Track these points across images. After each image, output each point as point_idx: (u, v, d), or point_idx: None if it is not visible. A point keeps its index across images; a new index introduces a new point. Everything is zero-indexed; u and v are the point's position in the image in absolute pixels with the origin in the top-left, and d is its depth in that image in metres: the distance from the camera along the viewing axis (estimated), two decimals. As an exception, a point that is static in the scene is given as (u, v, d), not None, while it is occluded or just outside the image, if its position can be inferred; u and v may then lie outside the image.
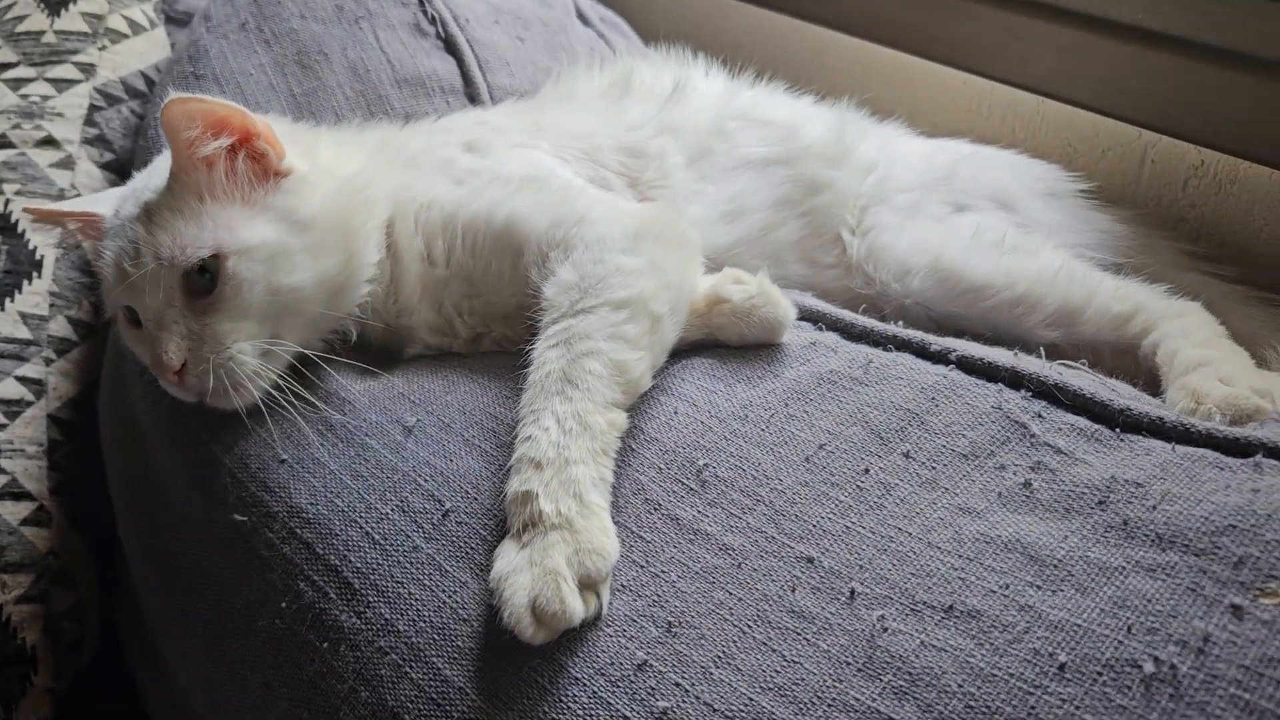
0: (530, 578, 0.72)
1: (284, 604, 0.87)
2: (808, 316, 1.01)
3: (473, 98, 1.29)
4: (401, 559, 0.84)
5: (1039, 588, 0.70)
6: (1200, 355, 0.93)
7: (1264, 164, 1.17)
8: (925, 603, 0.71)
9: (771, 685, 0.70)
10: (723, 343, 0.98)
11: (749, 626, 0.73)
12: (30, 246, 1.27)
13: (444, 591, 0.81)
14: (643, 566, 0.79)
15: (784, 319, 0.94)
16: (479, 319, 1.01)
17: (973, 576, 0.72)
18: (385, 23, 1.31)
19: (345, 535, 0.86)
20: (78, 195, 1.32)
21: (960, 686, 0.66)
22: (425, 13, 1.31)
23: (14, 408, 1.20)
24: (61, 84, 1.39)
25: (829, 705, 0.68)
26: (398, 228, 1.00)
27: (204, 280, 0.90)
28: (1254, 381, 0.88)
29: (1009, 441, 0.82)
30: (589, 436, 0.79)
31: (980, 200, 1.15)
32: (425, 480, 0.88)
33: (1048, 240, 1.11)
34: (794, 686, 0.69)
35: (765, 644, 0.72)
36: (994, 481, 0.79)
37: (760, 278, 0.96)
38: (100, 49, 1.43)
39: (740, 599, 0.75)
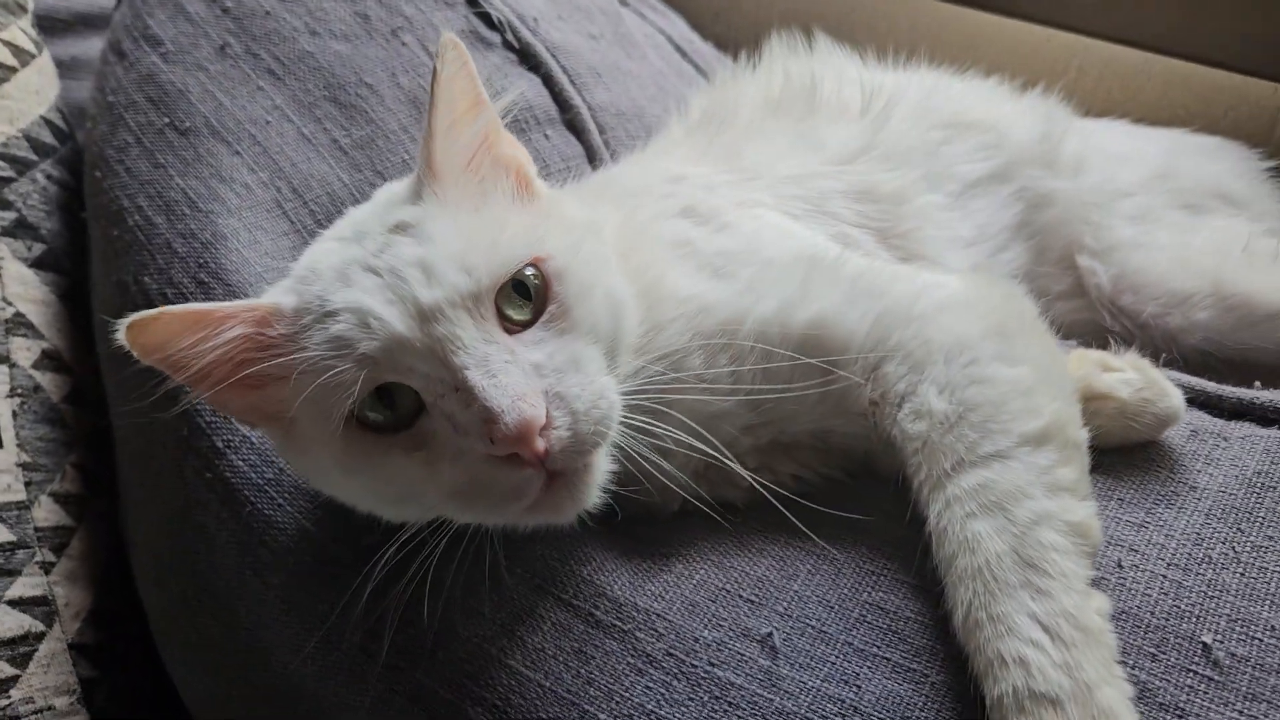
0: None
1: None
2: None
3: (574, 126, 1.00)
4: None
5: None
6: None
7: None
8: None
9: None
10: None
11: None
12: (-27, 403, 0.89)
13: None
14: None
15: (1178, 413, 0.75)
16: (761, 455, 0.76)
17: None
18: (435, 33, 0.99)
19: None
20: (14, 316, 0.95)
21: None
22: (481, 14, 0.99)
23: (21, 648, 0.86)
24: (-57, 154, 0.98)
25: None
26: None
27: (516, 306, 0.65)
28: None
29: None
30: (1093, 643, 0.60)
31: (1208, 199, 1.02)
32: (838, 723, 0.64)
33: None
34: None
35: None
36: None
37: (1133, 359, 0.77)
38: (-15, 94, 1.03)
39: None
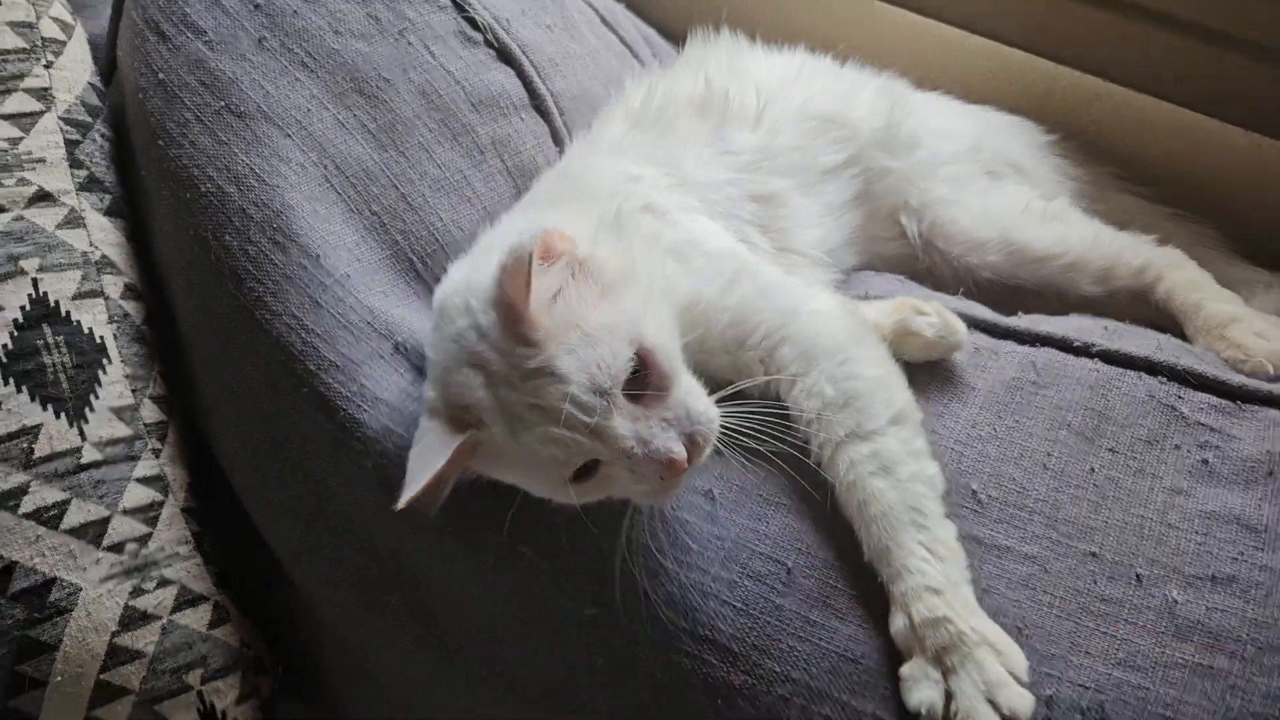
0: (977, 698, 0.92)
1: (659, 674, 1.05)
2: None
3: (541, 110, 1.35)
4: (769, 619, 1.05)
5: (1262, 550, 1.07)
6: (1229, 311, 1.32)
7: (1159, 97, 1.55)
8: (1194, 575, 1.06)
9: (1118, 660, 1.02)
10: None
11: (1079, 617, 1.05)
12: (87, 329, 1.22)
13: (821, 639, 1.04)
14: (974, 585, 1.05)
15: (965, 344, 1.20)
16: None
17: (1215, 548, 1.08)
18: (432, 34, 1.31)
19: (706, 608, 1.05)
20: (102, 258, 1.25)
21: (1249, 635, 1.03)
22: (468, 18, 1.32)
23: (151, 513, 1.21)
24: (23, 120, 1.26)
25: (1165, 667, 1.02)
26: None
27: (638, 383, 0.94)
28: None
29: (1171, 424, 1.17)
30: (957, 557, 1.00)
31: (1005, 168, 1.47)
32: (756, 544, 1.08)
33: (1064, 201, 1.44)
34: (1135, 658, 1.02)
35: (1097, 629, 1.04)
36: (1180, 462, 1.14)
37: (937, 306, 1.21)
38: (46, 66, 1.30)
39: (1061, 597, 1.06)
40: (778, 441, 1.05)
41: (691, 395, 0.98)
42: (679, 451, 0.93)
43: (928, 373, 1.22)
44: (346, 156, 1.25)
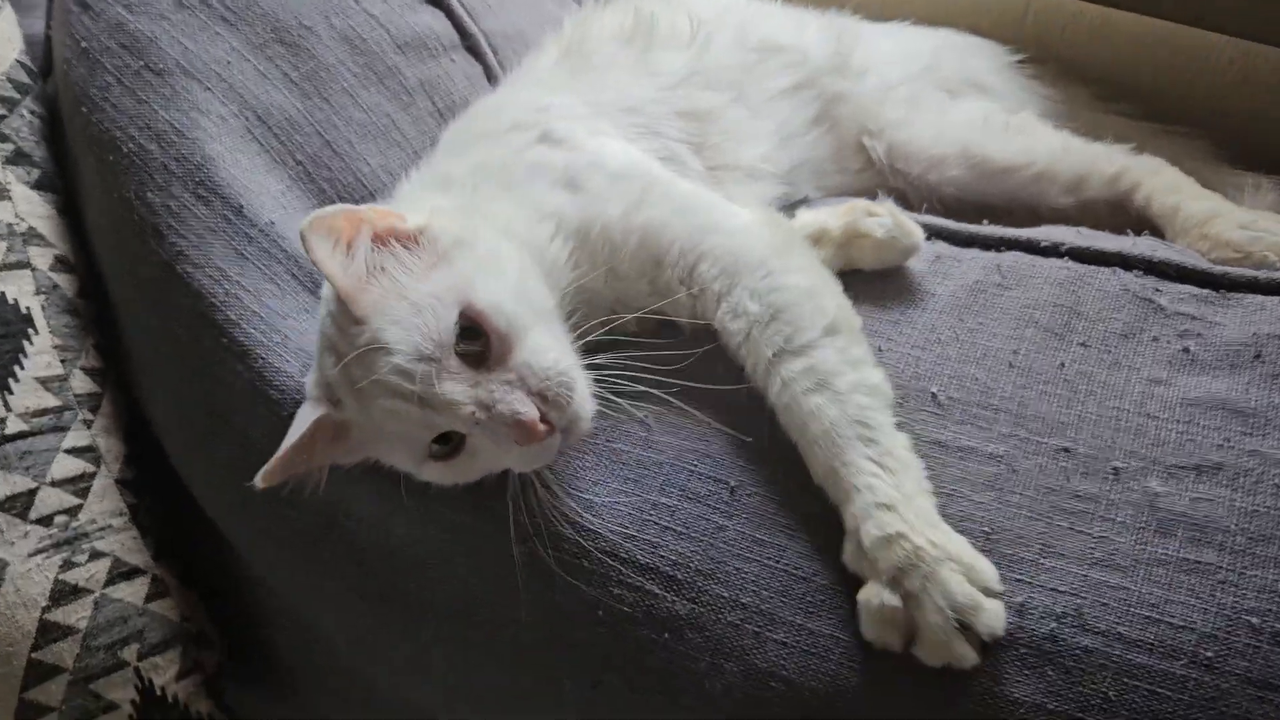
0: (941, 616, 0.84)
1: (600, 613, 0.98)
2: None
3: (474, 51, 1.32)
4: (714, 541, 0.98)
5: (1251, 435, 0.98)
6: (1209, 207, 1.24)
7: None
8: (1176, 465, 0.97)
9: (1095, 560, 0.94)
10: (857, 269, 1.15)
11: (1051, 517, 0.96)
12: (11, 300, 1.19)
13: (769, 559, 0.97)
14: (936, 491, 0.97)
15: (919, 246, 1.13)
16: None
17: (1198, 436, 0.99)
18: (352, -23, 1.28)
19: (644, 536, 0.98)
20: (29, 230, 1.22)
21: (1238, 525, 0.93)
22: (390, -40, 1.29)
23: (81, 484, 1.17)
24: (-55, 97, 1.25)
25: (1147, 564, 0.93)
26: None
27: (477, 345, 0.93)
28: (1272, 225, 1.19)
29: (1149, 316, 1.09)
30: (910, 468, 0.92)
31: (962, 86, 1.41)
32: (696, 465, 1.01)
33: (1030, 114, 1.37)
34: (1112, 557, 0.94)
35: (1071, 529, 0.96)
36: (1159, 353, 1.06)
37: (890, 206, 1.14)
38: (-33, 43, 1.28)
39: (1031, 496, 0.98)
40: (666, 386, 1.00)
41: (537, 352, 0.93)
42: (526, 411, 0.90)
43: (884, 282, 1.16)
44: (269, 107, 1.23)
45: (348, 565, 1.09)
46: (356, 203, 1.22)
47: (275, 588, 1.21)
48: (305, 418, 0.97)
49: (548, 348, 0.95)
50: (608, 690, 1.00)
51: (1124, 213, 1.34)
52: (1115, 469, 0.98)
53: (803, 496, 0.98)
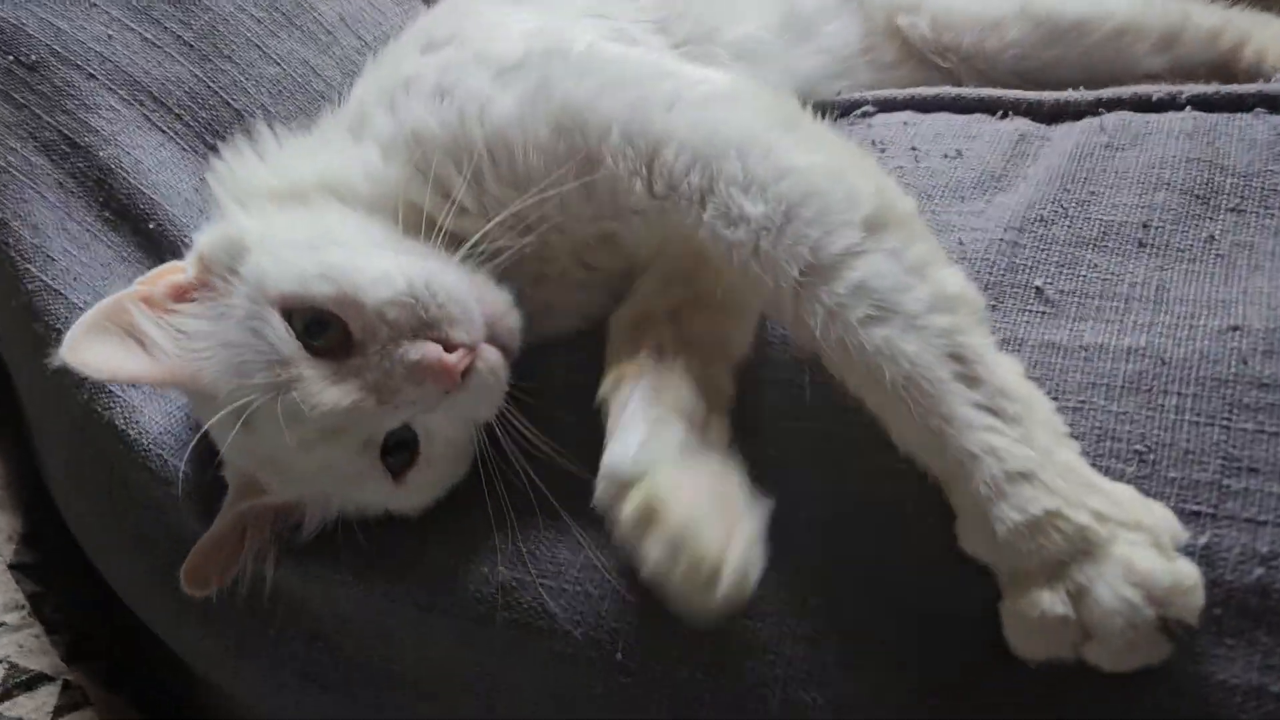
0: (1128, 615, 0.61)
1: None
2: (981, 106, 0.99)
3: None
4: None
5: None
6: None
7: None
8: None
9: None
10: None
11: (1229, 418, 0.71)
12: None
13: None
14: (1060, 408, 0.71)
15: None
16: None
17: None
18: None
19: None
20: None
21: None
22: None
23: (-38, 573, 0.96)
24: None
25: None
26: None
27: (332, 332, 0.75)
28: None
29: (1305, 166, 0.84)
30: (1033, 406, 0.67)
31: None
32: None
33: None
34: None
35: (1260, 431, 0.70)
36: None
37: None
38: None
39: (1193, 394, 0.72)
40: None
41: (380, 283, 0.75)
42: (421, 353, 0.73)
43: (952, 169, 0.92)
44: (163, 82, 1.06)
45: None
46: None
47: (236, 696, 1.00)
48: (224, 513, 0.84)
49: (391, 272, 0.75)
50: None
51: (1230, 77, 1.10)
52: (1304, 344, 0.72)
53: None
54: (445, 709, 0.85)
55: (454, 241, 0.80)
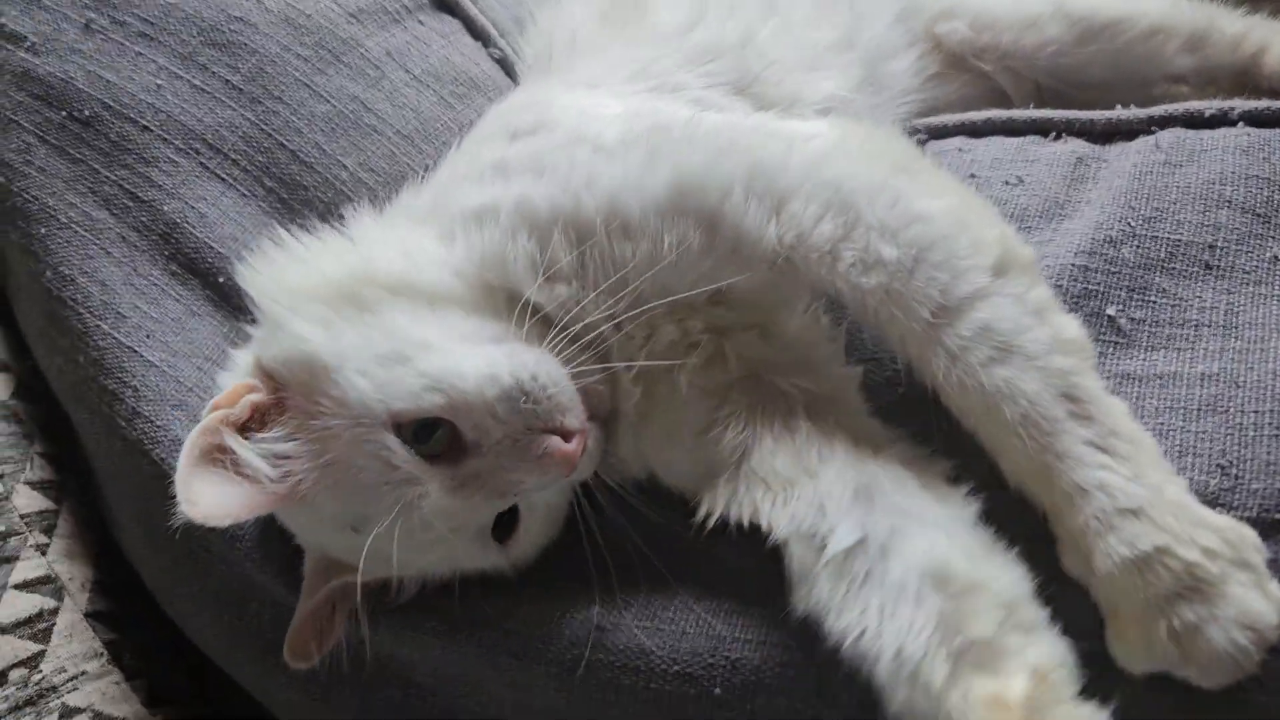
0: (1236, 649, 0.65)
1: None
2: (1032, 127, 1.00)
3: (445, 6, 1.20)
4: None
5: None
6: None
7: None
8: None
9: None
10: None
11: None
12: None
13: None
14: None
15: None
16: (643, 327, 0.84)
17: None
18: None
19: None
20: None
21: None
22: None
23: (39, 625, 0.98)
24: None
25: None
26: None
27: (439, 436, 0.77)
28: None
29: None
30: (1142, 446, 0.71)
31: None
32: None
33: None
34: None
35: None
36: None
37: None
38: None
39: (1270, 409, 0.76)
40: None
41: (486, 383, 0.76)
42: (550, 445, 0.76)
43: (1015, 197, 0.94)
44: (217, 128, 1.06)
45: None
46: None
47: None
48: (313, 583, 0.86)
49: (495, 371, 0.76)
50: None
51: (1249, 88, 1.13)
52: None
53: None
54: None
55: (539, 320, 0.81)
